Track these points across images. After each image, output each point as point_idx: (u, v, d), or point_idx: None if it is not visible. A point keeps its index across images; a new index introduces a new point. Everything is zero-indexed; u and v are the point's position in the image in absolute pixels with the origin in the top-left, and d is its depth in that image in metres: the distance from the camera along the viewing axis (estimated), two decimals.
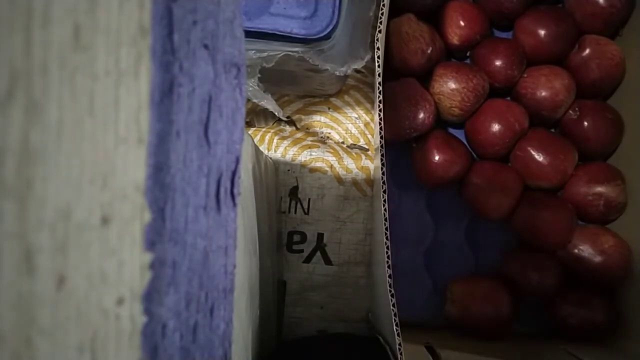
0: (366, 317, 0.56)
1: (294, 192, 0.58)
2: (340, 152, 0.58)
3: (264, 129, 0.61)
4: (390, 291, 0.34)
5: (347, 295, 0.56)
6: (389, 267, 0.35)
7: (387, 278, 0.34)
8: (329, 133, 0.61)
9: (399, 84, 0.52)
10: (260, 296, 0.43)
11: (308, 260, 0.57)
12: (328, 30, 0.43)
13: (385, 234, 0.36)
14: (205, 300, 0.17)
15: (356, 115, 0.60)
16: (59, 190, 0.10)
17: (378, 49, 0.35)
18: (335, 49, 0.44)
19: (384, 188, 0.36)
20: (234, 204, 0.20)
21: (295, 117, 0.61)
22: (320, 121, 0.61)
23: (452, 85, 0.51)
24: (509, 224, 0.52)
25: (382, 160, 0.36)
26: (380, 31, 0.35)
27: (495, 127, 0.51)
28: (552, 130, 0.55)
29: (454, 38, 0.53)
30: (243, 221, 0.38)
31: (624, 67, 0.52)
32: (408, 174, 0.55)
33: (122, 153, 0.12)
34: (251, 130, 0.61)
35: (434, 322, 0.53)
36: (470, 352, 0.45)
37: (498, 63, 0.52)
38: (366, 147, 0.59)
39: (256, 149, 0.47)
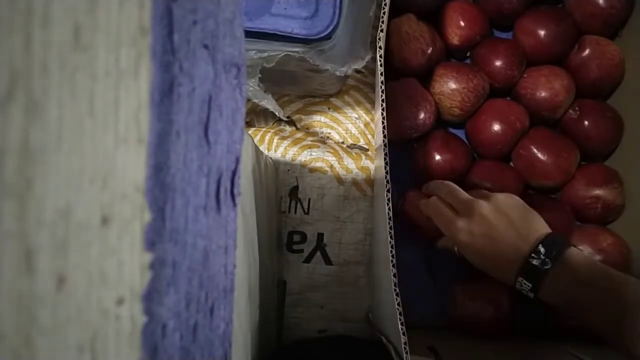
0: (366, 317, 0.56)
1: (294, 192, 0.58)
2: (340, 152, 0.58)
3: (264, 129, 0.61)
4: (395, 290, 0.34)
5: (347, 295, 0.56)
6: (393, 266, 0.35)
7: (392, 277, 0.34)
8: (329, 133, 0.61)
9: (400, 84, 0.52)
10: (260, 296, 0.43)
11: (308, 260, 0.57)
12: (329, 30, 0.43)
13: (390, 232, 0.36)
14: (205, 300, 0.17)
15: (356, 115, 0.60)
16: (59, 190, 0.10)
17: (380, 48, 0.35)
18: (335, 49, 0.44)
19: (387, 187, 0.36)
20: (234, 204, 0.20)
21: (295, 117, 0.61)
22: (320, 121, 0.61)
23: (453, 85, 0.51)
24: None
25: (385, 159, 0.36)
26: (382, 30, 0.35)
27: (497, 126, 0.51)
28: (553, 129, 0.55)
29: (454, 38, 0.53)
30: (243, 221, 0.38)
31: (624, 68, 0.52)
32: (409, 174, 0.55)
33: (122, 153, 0.12)
34: (251, 130, 0.61)
35: (435, 323, 0.53)
36: (471, 352, 0.45)
37: (498, 63, 0.52)
38: (366, 147, 0.59)
39: (256, 149, 0.47)
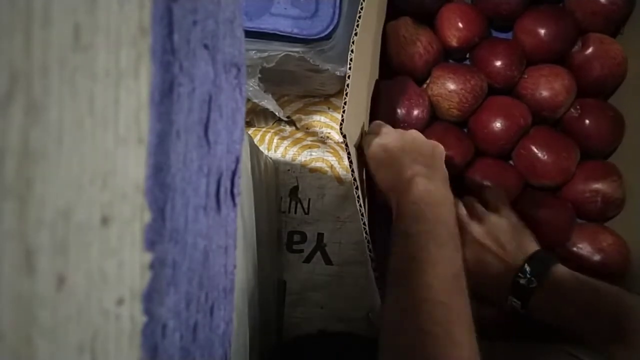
0: (366, 316, 0.56)
1: (294, 192, 0.58)
2: (340, 152, 0.58)
3: (264, 129, 0.61)
4: (378, 286, 0.35)
5: (347, 295, 0.56)
6: (372, 259, 0.36)
7: (373, 271, 0.35)
8: (329, 133, 0.61)
9: (394, 82, 0.52)
10: (260, 296, 0.43)
11: (308, 260, 0.57)
12: (328, 30, 0.43)
13: (364, 228, 0.36)
14: (205, 300, 0.17)
15: None
16: (59, 190, 0.10)
17: (352, 51, 0.35)
18: (335, 49, 0.44)
19: (356, 185, 0.37)
20: (234, 204, 0.20)
21: (295, 117, 0.61)
22: (320, 121, 0.61)
23: (450, 86, 0.51)
24: None
25: (349, 157, 0.37)
26: (356, 34, 0.36)
27: (502, 122, 0.51)
28: (553, 128, 0.55)
29: (453, 40, 0.53)
30: (242, 221, 0.38)
31: (626, 66, 0.52)
32: None
33: (122, 153, 0.12)
34: (251, 130, 0.61)
35: None
36: None
37: (498, 64, 0.52)
38: None
39: (256, 149, 0.47)
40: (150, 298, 0.13)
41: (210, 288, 0.18)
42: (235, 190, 0.20)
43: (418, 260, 0.32)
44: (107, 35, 0.12)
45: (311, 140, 0.60)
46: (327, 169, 0.57)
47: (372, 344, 0.33)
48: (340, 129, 0.36)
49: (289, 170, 0.58)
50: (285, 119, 0.61)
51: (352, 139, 0.40)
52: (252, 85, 0.47)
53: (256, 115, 0.62)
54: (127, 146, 0.12)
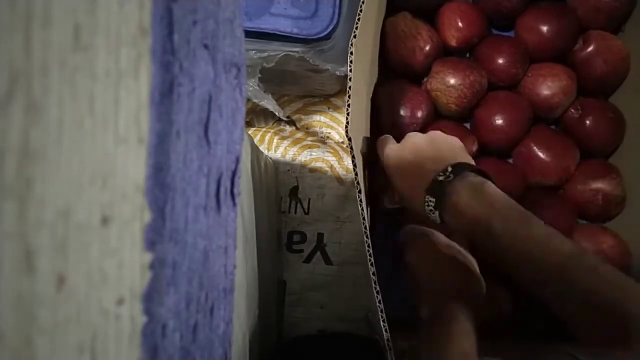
0: (366, 317, 0.56)
1: (294, 192, 0.58)
2: (340, 152, 0.58)
3: (264, 129, 0.61)
4: (376, 288, 0.35)
5: (347, 295, 0.56)
6: (372, 264, 0.36)
7: (372, 275, 0.35)
8: (329, 133, 0.61)
9: (392, 85, 0.52)
10: (260, 296, 0.43)
11: (308, 260, 0.57)
12: (328, 30, 0.43)
13: (365, 232, 0.36)
14: (205, 300, 0.17)
15: None
16: (59, 190, 0.10)
17: (352, 53, 0.35)
18: (335, 49, 0.44)
19: (358, 188, 0.36)
20: (234, 204, 0.20)
21: (295, 117, 0.61)
22: (320, 121, 0.61)
23: (449, 81, 0.51)
24: None
25: (353, 161, 0.36)
26: (355, 36, 0.36)
27: (511, 114, 0.51)
28: (553, 127, 0.55)
29: (452, 40, 0.53)
30: (242, 221, 0.38)
31: (629, 62, 0.52)
32: None
33: (122, 153, 0.12)
34: (251, 130, 0.61)
35: None
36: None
37: (502, 61, 0.52)
38: None
39: (256, 149, 0.47)
40: (150, 298, 0.13)
41: (210, 288, 0.18)
42: (235, 190, 0.20)
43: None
44: (107, 35, 0.12)
45: (311, 140, 0.60)
46: (327, 169, 0.57)
47: (372, 344, 0.33)
48: (346, 132, 0.35)
49: (289, 170, 0.58)
50: (285, 119, 0.61)
51: (357, 142, 0.40)
52: (252, 85, 0.47)
53: (256, 115, 0.62)
54: (127, 146, 0.12)
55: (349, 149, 0.36)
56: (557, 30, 0.51)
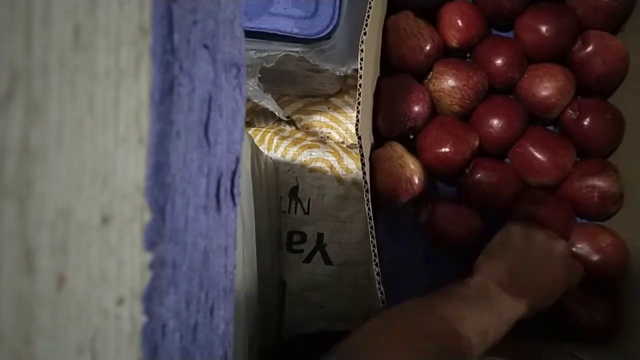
0: (366, 317, 0.56)
1: (294, 192, 0.58)
2: (340, 152, 0.58)
3: (264, 129, 0.61)
4: (380, 288, 0.35)
5: (347, 295, 0.56)
6: (376, 265, 0.36)
7: (376, 276, 0.35)
8: (329, 133, 0.61)
9: (394, 79, 0.52)
10: (260, 296, 0.43)
11: (308, 260, 0.57)
12: (328, 30, 0.43)
13: (371, 232, 0.36)
14: (205, 300, 0.17)
15: None
16: (59, 190, 0.10)
17: (362, 51, 0.35)
18: (335, 49, 0.44)
19: (366, 187, 0.36)
20: (234, 204, 0.20)
21: (295, 117, 0.61)
22: (320, 121, 0.61)
23: (453, 82, 0.51)
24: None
25: (361, 160, 0.36)
26: (365, 33, 0.35)
27: (506, 120, 0.52)
28: (551, 128, 0.55)
29: (453, 41, 0.53)
30: (242, 221, 0.38)
31: (628, 62, 0.52)
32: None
33: (122, 153, 0.12)
34: (251, 130, 0.61)
35: None
36: None
37: (499, 63, 0.52)
38: None
39: (256, 149, 0.47)
40: (150, 298, 0.13)
41: (210, 288, 0.18)
42: (235, 190, 0.20)
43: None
44: (107, 35, 0.12)
45: (311, 140, 0.60)
46: (327, 169, 0.57)
47: None
48: (356, 129, 0.35)
49: (289, 170, 0.58)
50: (285, 119, 0.61)
51: (365, 141, 0.40)
52: (252, 85, 0.47)
53: (256, 115, 0.62)
54: (127, 146, 0.12)
55: (358, 148, 0.36)
56: (556, 30, 0.51)
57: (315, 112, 0.61)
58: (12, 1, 0.09)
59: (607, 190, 0.50)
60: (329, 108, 0.61)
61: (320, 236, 0.57)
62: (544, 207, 0.50)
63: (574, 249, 0.50)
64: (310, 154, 0.58)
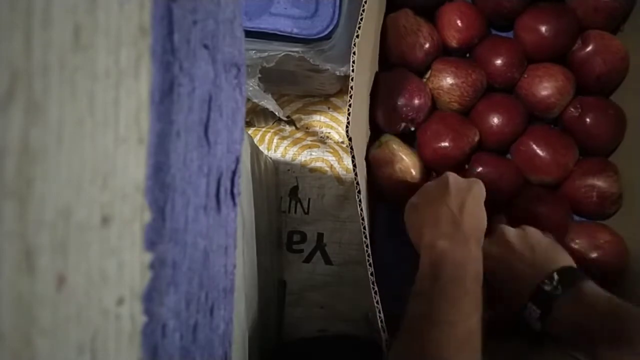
0: (366, 317, 0.56)
1: (294, 192, 0.58)
2: (340, 152, 0.58)
3: (264, 129, 0.61)
4: (374, 288, 0.35)
5: (347, 295, 0.56)
6: (370, 265, 0.36)
7: (370, 276, 0.35)
8: (329, 133, 0.61)
9: (392, 73, 0.52)
10: (260, 296, 0.43)
11: (308, 260, 0.57)
12: (328, 30, 0.43)
13: (364, 232, 0.36)
14: (205, 300, 0.17)
15: None
16: (59, 190, 0.10)
17: (354, 54, 0.35)
18: (335, 49, 0.44)
19: (358, 189, 0.37)
20: (234, 204, 0.20)
21: (295, 117, 0.61)
22: (320, 121, 0.61)
23: (451, 80, 0.51)
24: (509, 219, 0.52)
25: (353, 161, 0.36)
26: (358, 36, 0.36)
27: (506, 117, 0.52)
28: (553, 126, 0.55)
29: (453, 41, 0.53)
30: (242, 221, 0.38)
31: (628, 62, 0.52)
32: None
33: (122, 153, 0.12)
34: (251, 130, 0.61)
35: None
36: None
37: (499, 63, 0.52)
38: None
39: (256, 148, 0.47)
40: (150, 298, 0.13)
41: (210, 288, 0.18)
42: (235, 190, 0.20)
43: (429, 319, 0.32)
44: (107, 35, 0.12)
45: (311, 140, 0.60)
46: (327, 168, 0.57)
47: (372, 344, 0.34)
48: (347, 131, 0.35)
49: (289, 170, 0.58)
50: (285, 119, 0.61)
51: (357, 142, 0.40)
52: (252, 85, 0.47)
53: (256, 115, 0.62)
54: (127, 146, 0.12)
55: (349, 149, 0.36)
56: (556, 30, 0.51)
57: (315, 112, 0.61)
58: (12, 1, 0.09)
59: (606, 191, 0.50)
60: (329, 108, 0.61)
61: (320, 236, 0.57)
62: (541, 203, 0.50)
63: (572, 245, 0.50)
64: (310, 154, 0.58)
